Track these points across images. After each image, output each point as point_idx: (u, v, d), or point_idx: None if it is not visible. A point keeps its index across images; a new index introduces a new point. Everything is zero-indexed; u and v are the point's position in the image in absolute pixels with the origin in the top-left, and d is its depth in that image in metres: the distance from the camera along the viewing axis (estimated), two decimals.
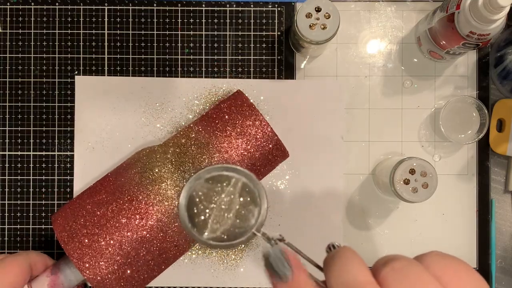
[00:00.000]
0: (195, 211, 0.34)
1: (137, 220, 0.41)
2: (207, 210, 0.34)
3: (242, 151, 0.44)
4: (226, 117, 0.45)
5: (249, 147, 0.44)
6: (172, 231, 0.42)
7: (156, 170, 0.43)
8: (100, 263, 0.40)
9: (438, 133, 0.53)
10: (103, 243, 0.41)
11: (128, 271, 0.41)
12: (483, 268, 0.53)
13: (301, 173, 0.53)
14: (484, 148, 0.53)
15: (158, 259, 0.43)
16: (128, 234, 0.41)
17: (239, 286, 0.52)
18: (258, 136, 0.45)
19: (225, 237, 0.33)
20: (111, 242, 0.41)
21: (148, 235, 0.41)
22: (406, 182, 0.46)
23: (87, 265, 0.40)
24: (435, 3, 0.54)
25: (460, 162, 0.53)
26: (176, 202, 0.41)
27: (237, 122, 0.45)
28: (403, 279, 0.23)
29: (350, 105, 0.54)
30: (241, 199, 0.34)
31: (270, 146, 0.45)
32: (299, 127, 0.52)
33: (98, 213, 0.42)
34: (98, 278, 0.40)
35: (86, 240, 0.41)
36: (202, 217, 0.34)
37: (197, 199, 0.34)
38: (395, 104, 0.54)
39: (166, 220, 0.41)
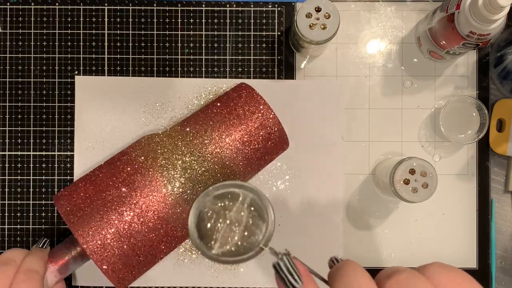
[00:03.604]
0: (205, 227, 0.35)
1: (138, 204, 0.42)
2: (217, 227, 0.35)
3: (240, 138, 0.45)
4: (227, 105, 0.46)
5: (249, 134, 0.45)
6: (172, 218, 0.43)
7: (159, 157, 0.44)
8: (101, 236, 0.41)
9: (438, 133, 0.53)
10: (105, 220, 0.42)
11: (127, 248, 0.42)
12: (483, 268, 0.53)
13: (301, 173, 0.53)
14: (484, 148, 0.53)
15: (158, 244, 0.43)
16: (130, 214, 0.42)
17: (239, 286, 0.52)
18: (261, 124, 0.45)
19: (234, 252, 0.34)
20: (112, 220, 0.41)
21: (150, 218, 0.42)
22: (406, 182, 0.46)
23: (88, 238, 0.41)
24: (435, 3, 0.54)
25: (460, 162, 0.53)
26: (177, 193, 0.42)
27: (238, 108, 0.46)
28: None
29: (350, 105, 0.54)
30: (249, 215, 0.35)
31: (272, 133, 0.46)
32: (299, 127, 0.52)
33: (103, 195, 0.43)
34: (97, 249, 0.41)
35: (88, 212, 0.42)
36: (211, 234, 0.35)
37: (206, 216, 0.35)
38: (395, 104, 0.54)
39: (166, 206, 0.42)
